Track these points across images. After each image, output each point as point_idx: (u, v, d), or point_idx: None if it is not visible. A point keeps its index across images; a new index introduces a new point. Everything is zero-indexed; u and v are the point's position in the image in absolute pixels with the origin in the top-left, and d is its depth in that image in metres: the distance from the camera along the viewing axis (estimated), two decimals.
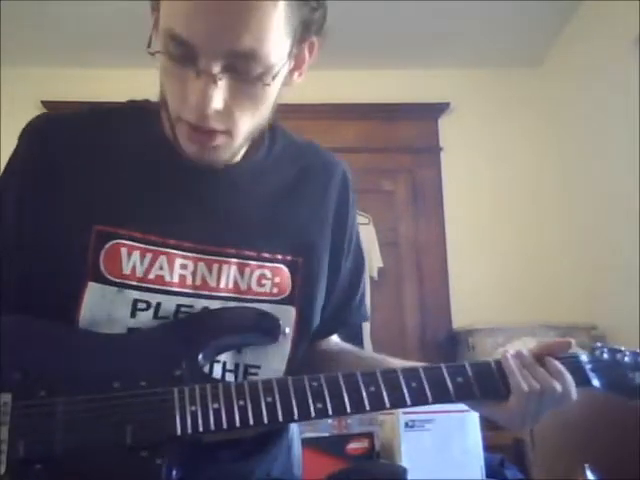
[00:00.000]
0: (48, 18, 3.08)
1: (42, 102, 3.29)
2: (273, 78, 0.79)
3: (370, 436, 2.02)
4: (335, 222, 0.99)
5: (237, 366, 0.88)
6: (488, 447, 1.95)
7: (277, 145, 0.97)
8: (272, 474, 0.94)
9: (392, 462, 1.89)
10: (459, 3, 3.02)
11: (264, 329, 0.86)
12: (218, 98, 0.76)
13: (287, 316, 0.91)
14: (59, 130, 0.90)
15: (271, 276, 0.90)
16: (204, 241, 0.87)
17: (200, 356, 0.81)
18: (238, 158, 0.92)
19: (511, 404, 0.82)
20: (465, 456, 1.87)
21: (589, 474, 1.86)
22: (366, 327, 3.22)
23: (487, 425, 2.01)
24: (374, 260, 3.32)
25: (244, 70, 0.76)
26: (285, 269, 0.91)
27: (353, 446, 2.06)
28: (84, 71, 3.41)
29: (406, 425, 1.88)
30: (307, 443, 1.85)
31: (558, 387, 0.83)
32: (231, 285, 0.88)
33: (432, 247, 3.47)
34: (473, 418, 1.91)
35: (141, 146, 0.90)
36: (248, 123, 0.82)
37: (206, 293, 0.87)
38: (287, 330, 0.90)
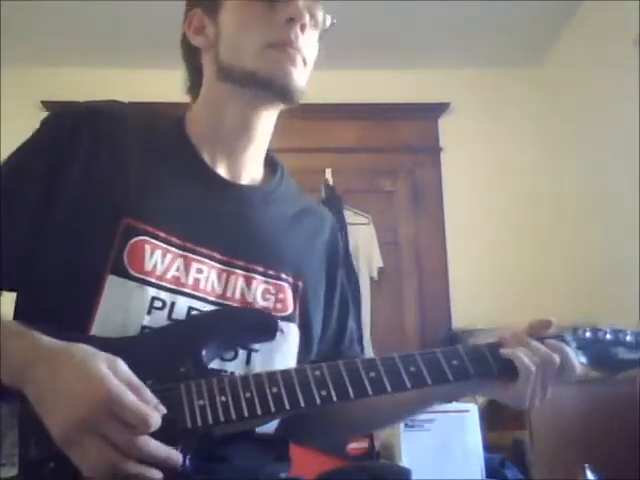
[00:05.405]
0: (48, 18, 3.08)
1: (42, 102, 3.29)
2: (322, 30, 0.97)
3: (370, 436, 2.02)
4: (328, 261, 1.07)
5: None
6: (488, 447, 1.95)
7: (285, 180, 1.06)
8: (279, 475, 0.96)
9: (392, 462, 1.89)
10: (459, 3, 3.02)
11: (262, 327, 0.89)
12: (307, 20, 0.92)
13: (291, 333, 0.94)
14: (100, 120, 0.92)
15: (274, 292, 0.94)
16: (218, 250, 0.91)
17: (203, 352, 0.82)
18: (257, 180, 1.01)
19: (519, 384, 0.85)
20: (465, 456, 1.87)
21: (589, 474, 1.86)
22: (366, 327, 3.23)
23: (487, 425, 2.01)
24: (374, 260, 3.32)
25: (314, 14, 0.95)
26: (288, 288, 0.96)
27: (353, 446, 2.06)
28: (84, 71, 3.40)
29: (406, 425, 1.88)
30: None
31: (556, 359, 0.85)
32: (238, 295, 0.91)
33: (432, 247, 3.47)
34: (473, 418, 1.91)
35: (169, 151, 0.95)
36: (309, 67, 0.95)
37: (213, 299, 0.90)
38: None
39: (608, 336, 0.92)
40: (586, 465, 1.89)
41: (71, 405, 0.68)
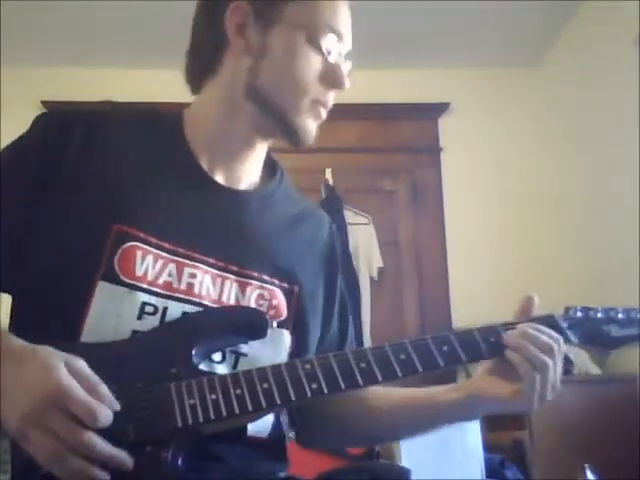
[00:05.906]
0: (48, 18, 3.08)
1: (42, 102, 3.28)
2: None
3: None
4: (326, 265, 1.05)
5: None
6: (488, 447, 1.95)
7: (283, 183, 1.05)
8: (278, 474, 0.95)
9: (392, 462, 1.89)
10: (459, 3, 3.02)
11: (253, 323, 0.88)
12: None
13: (282, 339, 0.94)
14: (95, 122, 0.92)
15: (269, 297, 0.93)
16: (212, 255, 0.90)
17: (193, 352, 0.82)
18: (255, 183, 1.00)
19: (524, 393, 0.84)
20: (465, 456, 1.87)
21: (589, 474, 1.86)
22: (366, 327, 3.23)
23: (487, 425, 2.01)
24: (374, 260, 3.32)
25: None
26: (281, 294, 0.95)
27: None
28: (84, 71, 3.40)
29: None
30: None
31: (549, 362, 0.84)
32: (232, 300, 0.91)
33: (432, 247, 3.47)
34: None
35: (166, 155, 0.94)
36: None
37: (208, 304, 0.89)
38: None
39: (599, 314, 0.92)
40: (586, 465, 1.89)
41: (22, 398, 0.69)
